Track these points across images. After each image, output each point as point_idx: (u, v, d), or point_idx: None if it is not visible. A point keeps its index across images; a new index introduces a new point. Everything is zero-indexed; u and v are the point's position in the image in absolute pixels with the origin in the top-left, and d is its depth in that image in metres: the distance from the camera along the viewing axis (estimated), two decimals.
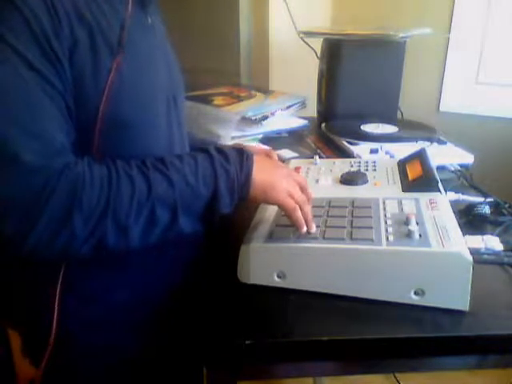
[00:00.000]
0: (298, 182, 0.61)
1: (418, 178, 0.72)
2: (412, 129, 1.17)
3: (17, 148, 0.45)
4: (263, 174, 0.58)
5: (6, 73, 0.46)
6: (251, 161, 0.57)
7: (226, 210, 0.56)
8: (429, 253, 0.54)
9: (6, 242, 0.48)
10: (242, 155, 0.57)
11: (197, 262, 0.71)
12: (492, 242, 0.68)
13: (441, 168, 0.94)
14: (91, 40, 0.51)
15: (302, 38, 1.36)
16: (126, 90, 0.55)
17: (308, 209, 0.60)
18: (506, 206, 0.79)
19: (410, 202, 0.66)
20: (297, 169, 0.85)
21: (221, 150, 0.57)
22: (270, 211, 0.68)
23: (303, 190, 0.61)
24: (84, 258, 0.51)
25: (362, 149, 1.03)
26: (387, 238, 0.57)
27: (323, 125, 1.25)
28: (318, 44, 1.37)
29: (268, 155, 0.76)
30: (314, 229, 0.60)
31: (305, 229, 0.59)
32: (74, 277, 0.59)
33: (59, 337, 0.59)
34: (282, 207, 0.59)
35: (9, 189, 0.46)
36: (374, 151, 1.01)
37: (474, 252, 0.54)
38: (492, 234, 0.71)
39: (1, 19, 0.46)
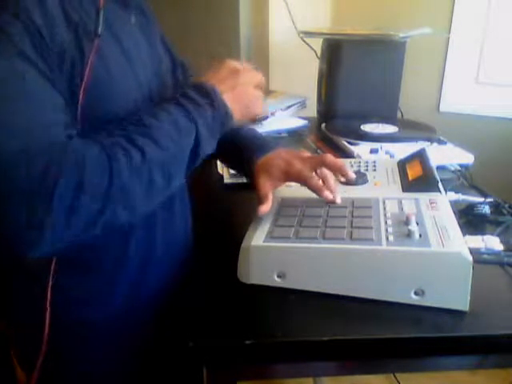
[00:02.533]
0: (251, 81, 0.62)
1: (418, 178, 0.72)
2: (412, 129, 1.17)
3: (11, 139, 0.44)
4: (234, 99, 0.58)
5: (3, 65, 0.45)
6: (219, 94, 0.56)
7: (210, 151, 0.57)
8: (429, 253, 0.54)
9: (19, 240, 0.45)
10: (208, 92, 0.56)
11: (188, 261, 0.71)
12: (492, 242, 0.68)
13: (441, 168, 0.94)
14: (77, 40, 0.51)
15: (302, 38, 1.36)
16: (100, 84, 0.53)
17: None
18: (506, 206, 0.79)
19: (410, 202, 0.66)
20: None
21: (188, 96, 0.56)
22: (270, 211, 0.68)
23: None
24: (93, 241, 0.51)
25: (361, 149, 1.03)
26: (387, 238, 0.57)
27: (323, 125, 1.25)
28: (317, 44, 1.37)
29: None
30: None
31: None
32: (66, 280, 0.59)
33: (52, 341, 0.59)
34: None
35: (11, 182, 0.44)
36: (374, 151, 1.01)
37: (474, 252, 0.54)
38: (492, 234, 0.71)
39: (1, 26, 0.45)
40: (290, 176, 0.68)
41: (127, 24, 0.61)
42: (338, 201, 0.66)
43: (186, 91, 0.56)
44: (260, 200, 0.67)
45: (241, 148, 0.77)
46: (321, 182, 0.68)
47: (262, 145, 0.75)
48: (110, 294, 0.62)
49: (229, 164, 0.90)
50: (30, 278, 0.59)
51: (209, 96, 0.56)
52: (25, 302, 0.61)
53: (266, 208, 0.66)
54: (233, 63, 0.61)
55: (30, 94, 0.47)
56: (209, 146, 0.57)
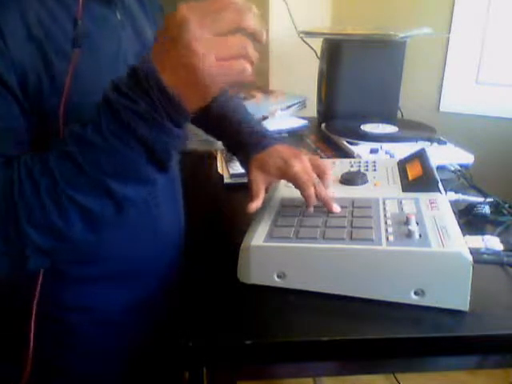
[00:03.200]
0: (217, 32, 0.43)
1: (418, 178, 0.72)
2: (412, 129, 1.17)
3: None
4: (181, 77, 0.41)
5: None
6: (155, 76, 0.41)
7: (179, 145, 0.46)
8: (429, 253, 0.54)
9: None
10: (139, 78, 0.42)
11: (176, 261, 0.71)
12: (492, 242, 0.68)
13: (441, 168, 0.94)
14: (42, 55, 0.49)
15: (301, 38, 1.36)
16: (86, 88, 0.52)
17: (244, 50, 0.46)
18: (506, 206, 0.79)
19: (410, 202, 0.66)
20: None
21: (119, 89, 0.43)
22: (270, 211, 0.68)
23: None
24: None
25: (361, 149, 1.03)
26: (387, 238, 0.57)
27: (323, 125, 1.25)
28: (318, 44, 1.37)
29: None
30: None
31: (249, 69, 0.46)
32: (53, 291, 0.58)
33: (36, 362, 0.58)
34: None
35: None
36: (374, 151, 1.01)
37: (474, 252, 0.54)
38: (492, 234, 0.71)
39: None
40: (285, 176, 0.68)
41: (111, 24, 0.59)
42: (336, 210, 0.65)
43: (119, 84, 0.43)
44: (251, 196, 0.67)
45: (240, 142, 0.76)
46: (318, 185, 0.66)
47: (260, 141, 0.74)
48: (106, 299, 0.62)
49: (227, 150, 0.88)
50: (15, 291, 0.59)
51: (141, 84, 0.41)
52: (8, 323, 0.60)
53: (256, 205, 0.65)
54: (183, 13, 0.40)
55: None
56: (167, 142, 0.44)
